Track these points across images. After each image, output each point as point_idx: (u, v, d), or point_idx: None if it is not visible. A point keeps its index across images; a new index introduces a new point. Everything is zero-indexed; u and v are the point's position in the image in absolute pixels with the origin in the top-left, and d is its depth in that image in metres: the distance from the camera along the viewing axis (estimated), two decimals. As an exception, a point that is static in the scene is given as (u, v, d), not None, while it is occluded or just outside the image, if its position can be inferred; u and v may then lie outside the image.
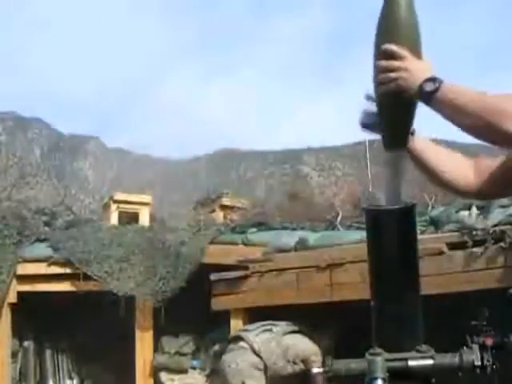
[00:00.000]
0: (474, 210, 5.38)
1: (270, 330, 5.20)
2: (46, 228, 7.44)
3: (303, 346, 5.20)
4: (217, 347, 5.44)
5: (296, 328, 5.30)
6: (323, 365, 2.02)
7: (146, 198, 11.48)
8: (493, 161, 2.02)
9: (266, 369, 5.04)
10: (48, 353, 7.74)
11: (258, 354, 5.02)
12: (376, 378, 1.89)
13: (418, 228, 4.60)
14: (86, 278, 6.93)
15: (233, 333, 5.37)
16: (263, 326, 5.31)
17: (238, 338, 5.17)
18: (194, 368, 7.01)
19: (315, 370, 2.16)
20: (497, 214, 5.17)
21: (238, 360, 5.00)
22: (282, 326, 5.28)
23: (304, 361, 5.15)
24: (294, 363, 5.19)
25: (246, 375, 4.95)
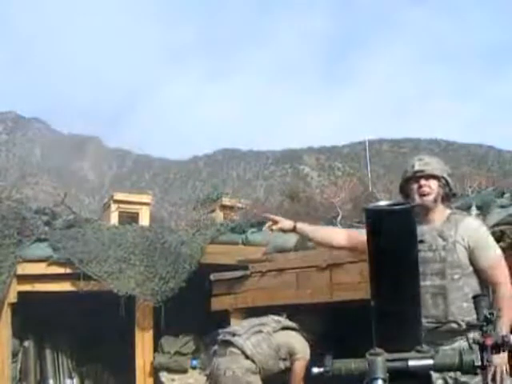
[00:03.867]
0: (474, 210, 5.37)
1: (260, 331, 5.15)
2: (46, 228, 7.43)
3: (294, 342, 5.18)
4: (216, 347, 5.41)
5: (286, 324, 5.26)
6: (323, 364, 2.01)
7: (146, 198, 11.50)
8: (360, 234, 3.12)
9: (260, 370, 5.03)
10: (48, 352, 7.74)
11: (250, 359, 4.99)
12: (376, 379, 1.89)
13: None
14: (86, 277, 6.92)
15: (221, 334, 5.29)
16: (252, 327, 5.24)
17: (228, 343, 5.12)
18: (193, 368, 7.02)
19: (315, 370, 2.15)
20: (496, 214, 5.16)
21: (233, 367, 4.97)
22: (270, 324, 5.22)
23: (292, 355, 5.15)
24: (285, 359, 5.19)
25: (242, 382, 4.94)
